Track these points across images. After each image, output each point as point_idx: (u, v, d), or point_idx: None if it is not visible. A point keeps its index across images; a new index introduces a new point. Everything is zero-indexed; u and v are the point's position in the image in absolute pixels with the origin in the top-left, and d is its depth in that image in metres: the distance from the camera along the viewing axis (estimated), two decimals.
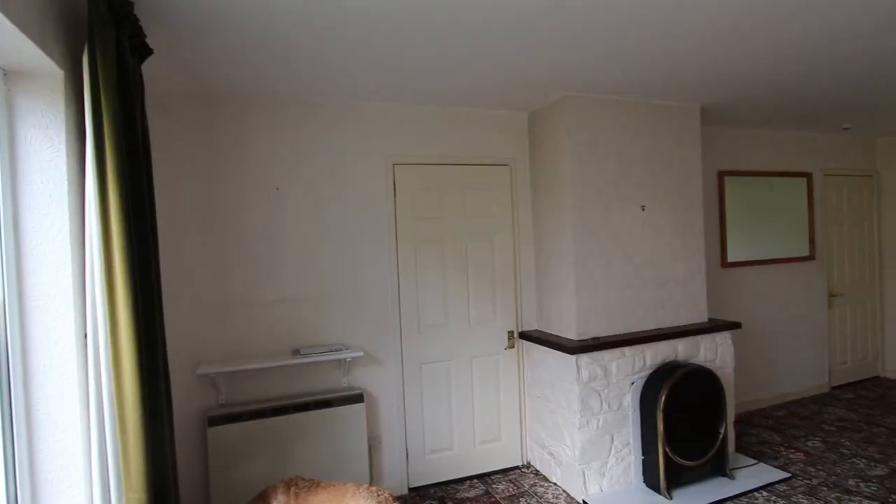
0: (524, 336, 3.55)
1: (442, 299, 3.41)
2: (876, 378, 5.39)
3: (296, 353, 2.95)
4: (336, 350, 2.99)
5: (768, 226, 4.76)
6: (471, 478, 3.47)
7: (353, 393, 3.05)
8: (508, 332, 3.57)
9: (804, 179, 4.93)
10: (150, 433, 1.67)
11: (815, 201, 4.97)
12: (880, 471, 3.36)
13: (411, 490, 3.32)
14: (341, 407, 3.00)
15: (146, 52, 1.93)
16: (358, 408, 3.03)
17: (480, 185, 3.52)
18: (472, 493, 3.27)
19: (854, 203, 5.30)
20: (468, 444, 3.48)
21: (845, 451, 3.67)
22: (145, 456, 1.62)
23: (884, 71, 3.03)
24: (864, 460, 3.52)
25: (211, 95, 2.89)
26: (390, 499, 2.17)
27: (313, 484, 2.28)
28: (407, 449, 3.31)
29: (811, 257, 4.95)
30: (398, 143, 3.31)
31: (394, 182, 3.28)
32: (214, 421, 2.73)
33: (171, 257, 2.78)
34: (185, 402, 2.79)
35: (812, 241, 4.95)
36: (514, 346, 3.59)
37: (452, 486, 3.38)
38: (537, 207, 3.59)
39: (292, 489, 2.26)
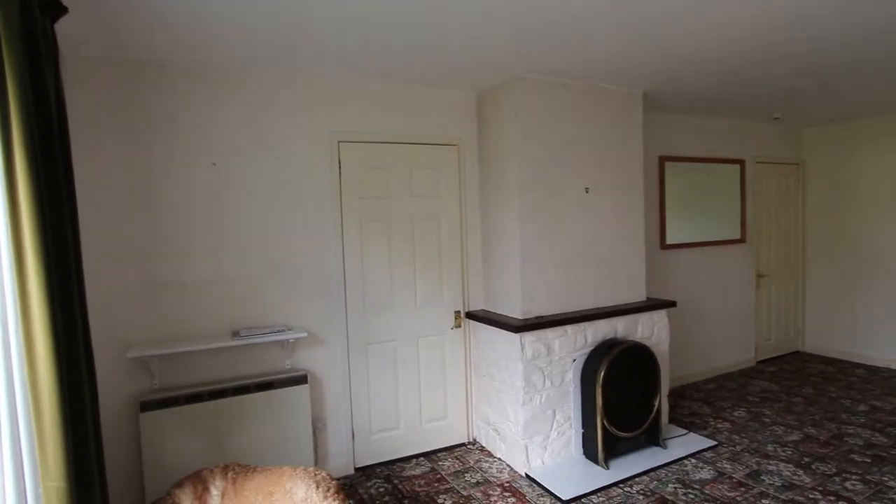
0: (471, 316, 3.59)
1: (388, 279, 3.39)
2: (796, 352, 5.82)
3: (235, 334, 2.86)
4: (278, 331, 2.92)
5: (704, 210, 4.99)
6: (417, 456, 3.50)
7: (296, 374, 3.00)
8: (455, 311, 3.60)
9: (738, 166, 5.19)
10: (70, 418, 1.58)
11: (747, 187, 5.24)
12: (796, 436, 3.65)
13: (357, 470, 3.32)
14: (284, 389, 2.94)
15: (59, 10, 1.78)
16: (301, 389, 2.98)
17: (428, 165, 3.49)
18: (418, 471, 3.31)
19: (781, 190, 5.63)
20: (415, 423, 3.50)
21: (766, 420, 3.95)
22: (64, 442, 1.53)
23: (811, 63, 3.20)
24: (782, 427, 3.81)
25: (138, 63, 2.71)
26: (328, 478, 2.16)
27: (249, 469, 2.24)
28: (353, 429, 3.30)
29: (742, 240, 5.24)
30: (344, 120, 3.23)
31: (339, 160, 3.21)
32: (147, 406, 2.61)
33: (96, 236, 2.61)
34: (114, 387, 2.65)
35: (743, 225, 5.24)
36: (460, 326, 3.62)
37: (399, 464, 3.41)
38: (485, 188, 3.60)
39: (230, 474, 2.21)
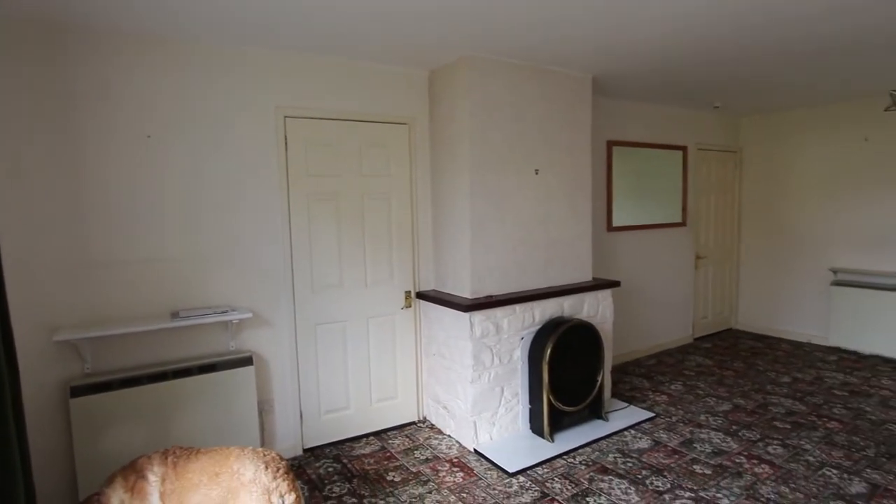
0: (421, 296, 3.59)
1: (337, 259, 3.33)
2: (729, 329, 6.18)
3: (175, 315, 2.75)
4: (221, 312, 2.83)
5: (649, 194, 5.18)
6: (367, 435, 3.51)
7: (241, 356, 2.92)
8: (405, 291, 3.59)
9: (681, 153, 5.40)
10: None
11: (688, 173, 5.47)
12: (726, 406, 3.89)
13: (306, 451, 3.30)
14: (228, 371, 2.86)
15: None
16: (246, 371, 2.91)
17: (379, 143, 3.44)
18: (367, 450, 3.31)
19: (720, 176, 5.91)
20: (364, 402, 3.50)
21: (700, 392, 4.19)
22: None
23: (750, 54, 3.35)
24: (714, 399, 4.05)
25: (67, 25, 2.50)
26: (277, 458, 2.13)
27: (192, 451, 2.17)
28: (301, 411, 3.26)
29: (683, 224, 5.48)
30: (290, 95, 3.12)
31: (285, 136, 3.10)
32: (78, 391, 2.48)
33: (17, 214, 2.43)
34: (40, 372, 2.50)
35: (684, 209, 5.47)
36: (410, 306, 3.62)
37: (349, 444, 3.40)
38: (436, 167, 3.59)
39: (170, 458, 2.13)
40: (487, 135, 3.31)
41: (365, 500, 2.74)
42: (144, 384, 2.65)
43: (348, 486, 2.89)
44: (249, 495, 1.92)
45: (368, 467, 3.09)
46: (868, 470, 2.93)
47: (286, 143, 3.11)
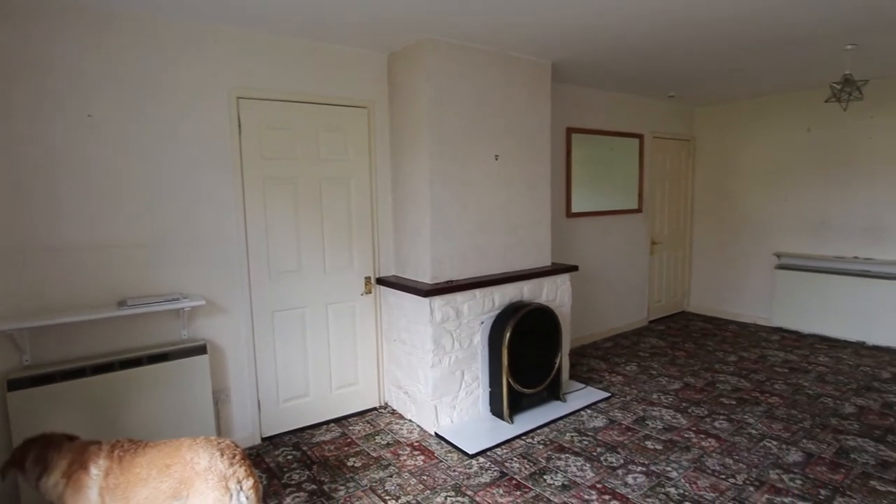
0: (381, 282, 3.57)
1: (295, 245, 3.27)
2: (682, 312, 6.43)
3: (122, 304, 2.64)
4: (171, 300, 2.73)
5: (607, 181, 5.29)
6: (328, 422, 3.49)
7: (194, 345, 2.84)
8: (365, 277, 3.56)
9: (637, 140, 5.53)
10: None
11: (644, 160, 5.61)
12: (677, 385, 4.06)
13: (265, 440, 3.25)
14: (181, 360, 2.77)
15: None
16: (200, 360, 2.83)
17: (337, 127, 3.37)
18: (328, 437, 3.29)
19: (674, 164, 6.10)
20: (325, 389, 3.47)
21: (654, 372, 4.35)
22: None
23: (698, 46, 3.44)
24: (666, 378, 4.22)
25: None
26: (233, 445, 2.08)
27: (140, 445, 2.09)
28: (259, 399, 3.21)
29: (639, 210, 5.63)
30: (245, 76, 3.01)
31: (238, 117, 3.00)
32: (15, 384, 2.35)
33: None
34: None
35: (640, 195, 5.62)
36: (370, 292, 3.60)
37: (308, 431, 3.37)
38: (396, 152, 3.55)
39: (116, 452, 2.05)
40: (448, 120, 3.30)
41: (325, 486, 2.73)
42: (90, 376, 2.54)
43: (308, 472, 2.87)
44: (205, 483, 1.88)
45: (329, 454, 3.07)
46: (804, 440, 3.13)
47: (240, 126, 3.01)
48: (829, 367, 4.40)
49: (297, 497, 2.64)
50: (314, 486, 2.73)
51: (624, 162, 5.44)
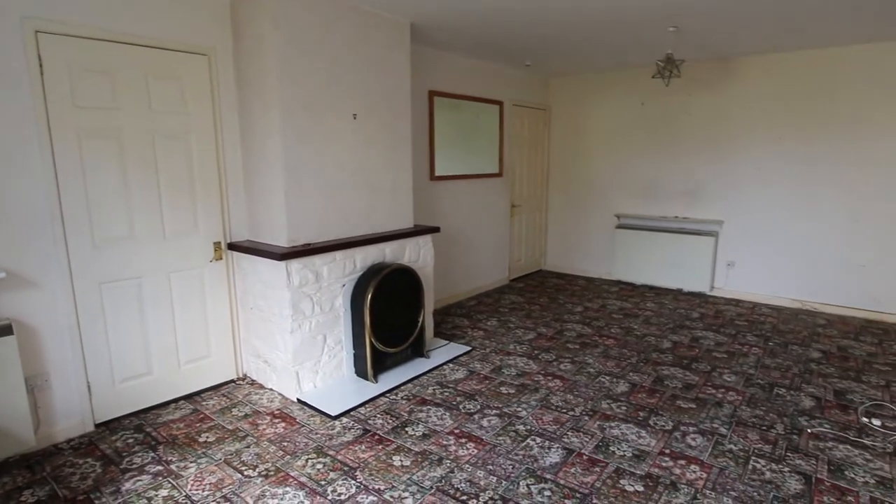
0: (233, 247, 3.33)
1: (125, 208, 2.90)
2: (540, 271, 6.97)
3: None
4: None
5: (469, 145, 5.45)
6: (177, 400, 3.23)
7: None
8: (214, 242, 3.30)
9: (497, 107, 5.75)
10: None
11: (504, 127, 5.87)
12: (531, 335, 4.42)
13: (99, 426, 2.91)
14: None
15: None
16: (5, 342, 2.41)
17: (171, 75, 3.01)
18: (177, 415, 3.05)
19: (532, 131, 6.47)
20: (171, 365, 3.19)
21: (511, 326, 4.68)
22: None
23: (543, 17, 3.63)
24: (522, 330, 4.56)
25: None
26: None
27: None
28: (88, 382, 2.85)
29: (500, 174, 5.91)
30: (43, 3, 2.53)
31: (38, 55, 2.53)
32: None
33: None
34: None
35: (501, 160, 5.89)
36: (221, 258, 3.34)
37: (154, 411, 3.09)
38: (243, 106, 3.28)
39: None
40: (300, 74, 3.11)
41: (173, 465, 2.54)
42: None
43: (152, 454, 2.64)
44: None
45: (178, 432, 2.85)
46: (631, 373, 3.61)
47: (41, 66, 2.54)
48: (654, 311, 5.10)
49: (140, 480, 2.42)
50: (160, 468, 2.52)
51: (485, 127, 5.64)
